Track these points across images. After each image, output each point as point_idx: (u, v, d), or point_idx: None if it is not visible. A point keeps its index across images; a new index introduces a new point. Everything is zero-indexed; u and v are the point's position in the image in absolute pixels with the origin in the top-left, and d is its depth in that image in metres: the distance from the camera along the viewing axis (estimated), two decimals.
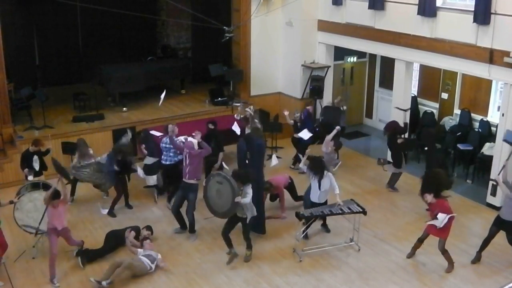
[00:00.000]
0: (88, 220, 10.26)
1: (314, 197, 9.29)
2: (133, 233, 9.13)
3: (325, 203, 9.35)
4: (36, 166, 10.19)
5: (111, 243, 9.12)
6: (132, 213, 10.57)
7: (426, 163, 11.17)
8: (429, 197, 8.34)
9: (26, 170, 10.14)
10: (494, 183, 9.78)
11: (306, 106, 13.03)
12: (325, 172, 9.15)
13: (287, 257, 9.11)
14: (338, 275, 8.60)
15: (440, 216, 8.21)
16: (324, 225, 9.86)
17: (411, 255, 9.04)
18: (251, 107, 12.25)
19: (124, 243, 9.05)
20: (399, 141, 11.34)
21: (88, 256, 8.80)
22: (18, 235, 9.37)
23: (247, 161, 9.44)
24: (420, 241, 8.86)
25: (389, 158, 11.99)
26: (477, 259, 8.90)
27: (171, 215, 10.35)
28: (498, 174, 8.98)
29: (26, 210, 8.87)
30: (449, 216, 8.26)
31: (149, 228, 9.45)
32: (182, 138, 10.31)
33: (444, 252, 8.62)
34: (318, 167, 9.10)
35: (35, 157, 10.19)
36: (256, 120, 11.84)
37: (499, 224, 8.64)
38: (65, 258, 8.91)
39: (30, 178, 10.02)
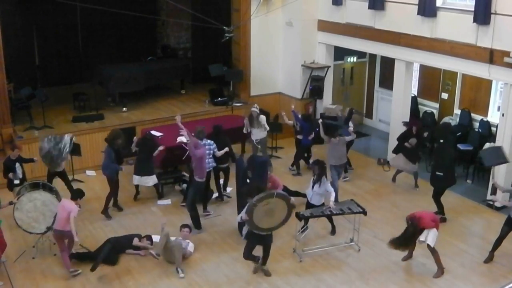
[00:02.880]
0: (88, 220, 10.25)
1: (308, 196, 9.45)
2: (136, 240, 9.16)
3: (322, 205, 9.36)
4: (20, 173, 9.86)
5: (105, 251, 8.73)
6: (132, 213, 10.56)
7: (435, 158, 10.63)
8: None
9: (11, 174, 9.75)
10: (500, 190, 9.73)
11: (292, 109, 12.43)
12: (324, 178, 9.18)
13: (287, 257, 9.10)
14: (338, 275, 8.60)
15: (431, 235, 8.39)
16: (333, 227, 9.75)
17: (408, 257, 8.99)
18: (256, 105, 12.22)
19: (122, 251, 9.04)
20: (406, 144, 11.26)
21: (79, 256, 8.74)
22: (18, 235, 9.37)
23: (248, 180, 9.17)
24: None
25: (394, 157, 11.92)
26: (489, 259, 8.90)
27: (171, 216, 10.34)
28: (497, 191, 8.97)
29: (26, 210, 8.85)
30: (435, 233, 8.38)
31: (149, 238, 9.31)
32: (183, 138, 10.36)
33: (434, 252, 8.52)
34: (321, 173, 9.15)
35: (17, 165, 9.84)
36: (262, 122, 11.85)
37: (511, 224, 8.65)
38: None
39: (17, 182, 9.74)
